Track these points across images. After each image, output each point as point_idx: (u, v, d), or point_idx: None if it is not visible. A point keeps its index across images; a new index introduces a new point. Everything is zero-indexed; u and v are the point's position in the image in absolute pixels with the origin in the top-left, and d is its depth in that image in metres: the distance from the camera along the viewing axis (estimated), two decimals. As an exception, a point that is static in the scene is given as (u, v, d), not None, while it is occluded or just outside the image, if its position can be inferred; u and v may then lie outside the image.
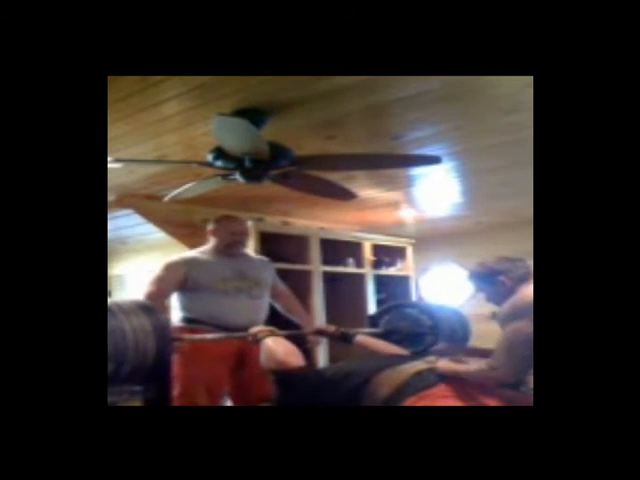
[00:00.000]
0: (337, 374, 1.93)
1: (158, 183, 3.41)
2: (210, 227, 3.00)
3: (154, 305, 2.65)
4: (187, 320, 2.78)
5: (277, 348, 2.03)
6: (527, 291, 1.88)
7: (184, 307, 2.83)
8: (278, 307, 3.10)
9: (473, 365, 1.96)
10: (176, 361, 2.66)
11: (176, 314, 2.85)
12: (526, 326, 1.75)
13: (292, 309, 3.10)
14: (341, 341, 2.51)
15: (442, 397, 1.77)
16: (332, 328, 2.54)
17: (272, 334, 2.16)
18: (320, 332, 2.63)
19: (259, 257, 3.25)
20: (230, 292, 2.82)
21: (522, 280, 1.97)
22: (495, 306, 2.01)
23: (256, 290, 2.91)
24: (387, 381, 1.83)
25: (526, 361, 1.79)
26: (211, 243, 2.98)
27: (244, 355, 2.74)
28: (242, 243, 2.99)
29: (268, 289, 3.01)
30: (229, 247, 2.93)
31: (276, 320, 2.96)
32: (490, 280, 2.04)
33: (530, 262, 2.02)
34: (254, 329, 2.24)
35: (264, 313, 2.94)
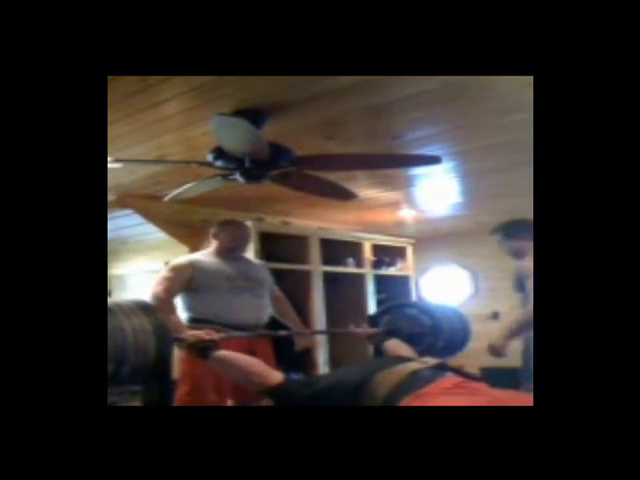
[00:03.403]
0: (332, 381, 1.92)
1: (158, 183, 3.41)
2: (213, 231, 3.05)
3: (155, 305, 2.68)
4: (193, 320, 2.79)
5: (250, 370, 2.00)
6: None
7: (190, 307, 2.86)
8: (272, 310, 3.14)
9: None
10: (184, 359, 2.69)
11: (181, 315, 2.87)
12: None
13: (285, 313, 3.16)
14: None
15: (439, 395, 1.77)
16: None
17: None
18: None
19: (257, 260, 3.33)
20: (235, 291, 2.87)
21: None
22: None
23: (259, 289, 2.98)
24: (383, 381, 1.83)
25: None
26: (213, 246, 3.03)
27: (253, 352, 2.74)
28: (243, 247, 3.07)
29: (269, 290, 3.08)
30: (231, 250, 2.99)
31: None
32: None
33: None
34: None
35: (267, 312, 3.00)
